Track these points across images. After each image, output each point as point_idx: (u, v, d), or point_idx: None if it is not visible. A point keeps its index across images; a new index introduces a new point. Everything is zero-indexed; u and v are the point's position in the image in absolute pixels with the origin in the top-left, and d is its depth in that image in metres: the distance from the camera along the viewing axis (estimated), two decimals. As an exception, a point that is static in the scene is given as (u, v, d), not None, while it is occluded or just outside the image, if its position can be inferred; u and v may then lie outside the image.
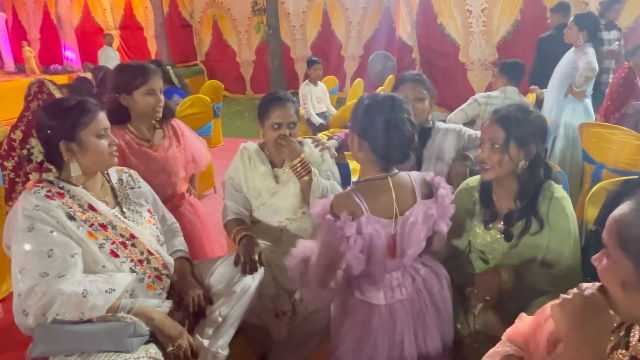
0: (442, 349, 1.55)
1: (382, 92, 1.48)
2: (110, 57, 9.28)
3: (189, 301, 1.58)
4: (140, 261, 1.54)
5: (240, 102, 10.41)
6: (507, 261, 1.62)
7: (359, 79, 6.80)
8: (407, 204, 1.43)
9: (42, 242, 1.34)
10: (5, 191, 2.64)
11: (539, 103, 4.08)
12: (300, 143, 2.03)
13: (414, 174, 1.48)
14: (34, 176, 1.47)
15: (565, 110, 3.73)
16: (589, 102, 3.74)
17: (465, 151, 2.13)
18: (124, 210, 1.61)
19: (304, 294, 1.62)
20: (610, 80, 4.24)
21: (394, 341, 1.47)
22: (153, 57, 11.54)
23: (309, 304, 1.81)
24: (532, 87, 4.23)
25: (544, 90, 4.06)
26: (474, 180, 1.76)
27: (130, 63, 2.10)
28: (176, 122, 2.27)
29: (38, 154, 1.46)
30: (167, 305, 1.56)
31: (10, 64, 12.91)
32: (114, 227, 1.50)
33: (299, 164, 1.90)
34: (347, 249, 1.33)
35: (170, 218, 1.89)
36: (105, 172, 1.65)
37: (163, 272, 1.60)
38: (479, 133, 1.92)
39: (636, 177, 1.96)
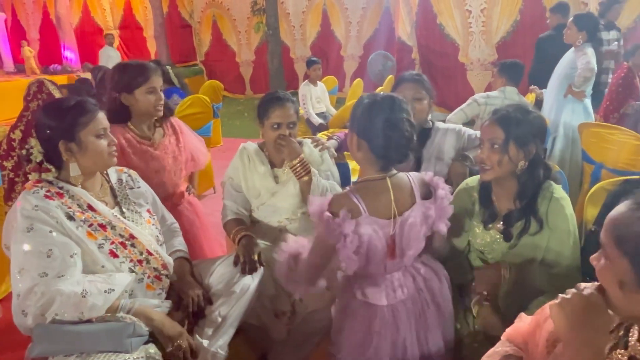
0: (444, 348, 1.55)
1: (382, 92, 1.48)
2: (111, 57, 9.29)
3: (189, 301, 1.58)
4: (140, 261, 1.53)
5: (239, 102, 10.41)
6: (507, 261, 1.62)
7: (358, 79, 6.81)
8: (406, 205, 1.43)
9: (41, 242, 1.34)
10: (4, 191, 2.64)
11: (539, 103, 4.08)
12: (300, 143, 2.03)
13: (413, 175, 1.48)
14: (33, 176, 1.47)
15: (564, 110, 3.73)
16: (588, 102, 3.74)
17: (464, 151, 2.13)
18: (124, 210, 1.61)
19: (291, 289, 1.61)
20: (609, 80, 4.25)
21: (397, 341, 1.47)
22: (152, 57, 11.55)
23: (309, 304, 1.81)
24: (532, 87, 4.23)
25: (543, 90, 4.06)
26: (473, 180, 1.76)
27: (130, 62, 2.10)
28: (175, 121, 2.27)
29: (37, 154, 1.45)
30: (167, 305, 1.56)
31: (9, 64, 12.92)
32: (113, 227, 1.50)
33: (298, 164, 1.90)
34: (343, 247, 1.33)
35: (170, 218, 1.89)
36: (105, 172, 1.65)
37: (162, 272, 1.60)
38: (478, 133, 1.92)
39: (636, 177, 1.96)
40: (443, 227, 1.46)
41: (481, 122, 2.31)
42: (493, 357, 1.17)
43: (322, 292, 1.78)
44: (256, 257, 1.76)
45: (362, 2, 9.71)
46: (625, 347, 0.91)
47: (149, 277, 1.55)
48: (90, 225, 1.45)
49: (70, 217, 1.42)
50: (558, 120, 3.75)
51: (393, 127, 1.36)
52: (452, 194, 1.64)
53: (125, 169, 1.75)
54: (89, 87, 4.10)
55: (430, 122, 2.20)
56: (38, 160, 1.46)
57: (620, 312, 0.91)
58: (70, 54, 12.86)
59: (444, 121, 2.41)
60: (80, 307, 1.32)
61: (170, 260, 1.65)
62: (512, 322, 1.23)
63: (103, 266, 1.45)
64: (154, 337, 1.44)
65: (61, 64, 12.38)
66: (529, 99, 4.17)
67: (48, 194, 1.41)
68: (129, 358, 1.30)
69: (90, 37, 12.88)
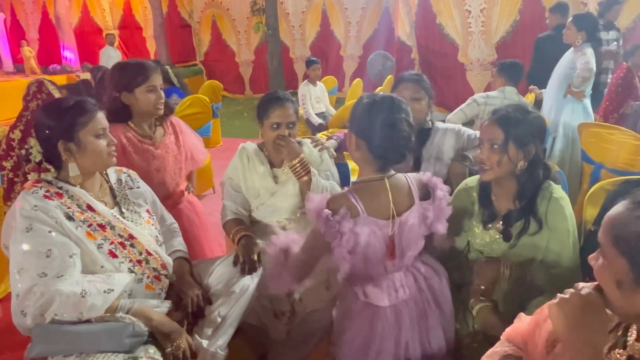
0: (446, 347, 1.55)
1: (381, 93, 1.48)
2: (111, 57, 9.29)
3: (188, 301, 1.57)
4: (139, 261, 1.53)
5: (239, 102, 10.41)
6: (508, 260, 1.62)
7: (358, 79, 6.81)
8: (405, 205, 1.43)
9: (40, 243, 1.34)
10: (3, 191, 2.64)
11: (538, 103, 4.08)
12: (299, 143, 2.03)
13: (411, 176, 1.48)
14: (32, 176, 1.47)
15: (564, 110, 3.74)
16: (588, 102, 3.74)
17: (464, 151, 2.13)
18: (123, 210, 1.61)
19: (275, 283, 1.60)
20: (609, 80, 4.25)
21: (400, 342, 1.47)
22: (152, 57, 11.54)
23: (308, 304, 1.81)
24: (531, 87, 4.24)
25: (542, 90, 4.06)
26: (472, 181, 1.76)
27: (130, 61, 2.11)
28: (175, 120, 2.27)
29: (37, 153, 1.45)
30: (166, 305, 1.56)
31: (8, 64, 12.91)
32: (112, 228, 1.50)
33: (298, 164, 1.90)
34: (338, 245, 1.33)
35: (169, 218, 1.89)
36: (104, 172, 1.65)
37: (162, 272, 1.60)
38: (478, 133, 1.92)
39: (635, 177, 1.96)
40: (441, 228, 1.46)
41: (481, 122, 2.31)
42: (492, 357, 1.17)
43: (322, 292, 1.79)
44: (256, 257, 1.76)
45: (362, 2, 9.72)
46: (624, 347, 0.91)
47: (148, 277, 1.55)
48: (90, 226, 1.45)
49: (70, 217, 1.41)
50: (557, 120, 3.75)
51: (391, 128, 1.36)
52: (451, 194, 1.65)
53: (124, 169, 1.75)
54: (88, 87, 4.09)
55: (430, 122, 2.20)
56: (37, 160, 1.46)
57: (618, 312, 0.92)
58: (69, 54, 12.85)
59: (443, 121, 2.41)
60: (79, 307, 1.32)
61: (169, 261, 1.65)
62: (511, 322, 1.23)
63: (102, 266, 1.44)
64: (154, 337, 1.43)
65: (60, 64, 12.37)
66: (529, 99, 4.18)
67: (47, 194, 1.41)
68: (128, 358, 1.30)
69: (89, 37, 12.88)
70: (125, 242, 1.52)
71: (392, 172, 1.45)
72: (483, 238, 1.68)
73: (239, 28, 11.00)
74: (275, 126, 1.92)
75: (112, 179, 1.67)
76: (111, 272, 1.45)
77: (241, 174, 2.03)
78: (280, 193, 1.99)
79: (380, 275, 1.49)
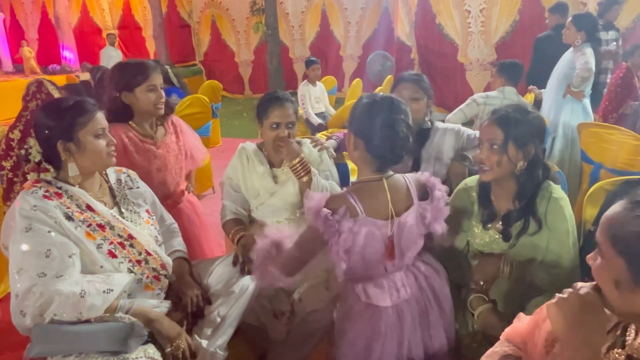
0: (447, 345, 1.55)
1: (381, 93, 1.48)
2: (112, 57, 9.27)
3: (188, 301, 1.57)
4: (139, 261, 1.53)
5: (238, 102, 10.41)
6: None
7: (357, 79, 6.81)
8: (403, 206, 1.43)
9: (39, 242, 1.34)
10: (3, 191, 2.64)
11: (538, 103, 4.08)
12: (299, 143, 2.03)
13: (409, 176, 1.49)
14: (32, 176, 1.47)
15: (563, 110, 3.74)
16: (587, 102, 3.74)
17: (463, 151, 2.13)
18: (122, 210, 1.61)
19: (256, 278, 1.57)
20: (608, 80, 4.25)
21: (402, 342, 1.47)
22: (151, 57, 11.54)
23: (308, 304, 1.81)
24: (531, 87, 4.24)
25: (542, 90, 4.06)
26: (472, 180, 1.76)
27: (130, 61, 2.11)
28: (176, 119, 2.28)
29: (36, 153, 1.45)
30: (166, 305, 1.56)
31: (8, 64, 12.90)
32: (112, 228, 1.50)
33: (298, 164, 1.89)
34: (335, 244, 1.33)
35: (169, 219, 1.89)
36: (104, 172, 1.65)
37: (161, 272, 1.60)
38: (477, 133, 1.92)
39: (634, 177, 1.96)
40: (439, 228, 1.46)
41: (480, 122, 2.31)
42: (492, 357, 1.17)
43: (321, 292, 1.79)
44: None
45: (361, 2, 9.72)
46: (623, 347, 0.91)
47: (147, 277, 1.55)
48: (89, 226, 1.45)
49: (69, 217, 1.41)
50: (557, 120, 3.75)
51: (389, 128, 1.36)
52: (451, 194, 1.64)
53: (124, 169, 1.75)
54: (88, 88, 4.09)
55: (429, 122, 2.20)
56: (37, 160, 1.46)
57: (616, 311, 0.92)
58: (69, 54, 12.85)
59: (443, 121, 2.41)
60: (78, 307, 1.32)
61: (169, 261, 1.65)
62: (511, 322, 1.23)
63: (102, 266, 1.44)
64: (153, 337, 1.43)
65: (60, 64, 12.37)
66: (528, 99, 4.18)
67: (47, 194, 1.41)
68: (127, 358, 1.30)
69: (89, 37, 12.88)
70: (125, 242, 1.52)
71: (391, 172, 1.45)
72: (482, 238, 1.68)
73: (238, 28, 11.00)
74: (274, 126, 1.92)
75: (112, 179, 1.67)
76: (110, 272, 1.45)
77: (240, 174, 2.03)
78: (279, 193, 1.99)
79: (381, 276, 1.49)
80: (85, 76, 7.64)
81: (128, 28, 12.61)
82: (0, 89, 8.40)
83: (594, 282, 0.94)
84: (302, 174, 1.90)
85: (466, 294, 1.57)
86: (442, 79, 7.25)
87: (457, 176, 2.02)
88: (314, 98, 5.49)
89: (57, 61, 12.54)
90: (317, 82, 5.59)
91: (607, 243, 0.89)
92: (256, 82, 11.00)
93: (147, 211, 1.69)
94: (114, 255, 1.48)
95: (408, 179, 1.47)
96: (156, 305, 1.53)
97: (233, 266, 1.73)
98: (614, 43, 4.35)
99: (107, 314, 1.38)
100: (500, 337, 1.23)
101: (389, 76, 6.99)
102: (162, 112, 2.06)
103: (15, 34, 13.18)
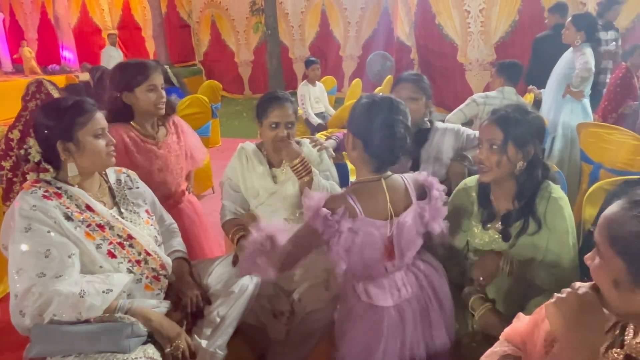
0: (449, 343, 1.55)
1: (381, 93, 1.48)
2: (112, 57, 9.26)
3: (187, 301, 1.57)
4: (138, 262, 1.53)
5: (238, 102, 10.41)
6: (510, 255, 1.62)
7: (357, 79, 6.82)
8: (402, 206, 1.43)
9: (39, 243, 1.34)
10: (2, 191, 2.64)
11: (537, 103, 4.08)
12: (298, 143, 2.03)
13: (407, 176, 1.49)
14: (31, 176, 1.47)
15: (563, 110, 3.74)
16: (587, 102, 3.74)
17: (463, 151, 2.13)
18: (122, 210, 1.61)
19: (244, 269, 1.54)
20: (607, 80, 4.26)
21: (405, 341, 1.47)
22: (151, 57, 11.53)
23: (307, 304, 1.81)
24: (530, 87, 4.24)
25: (542, 90, 4.06)
26: (471, 180, 1.76)
27: (130, 61, 2.11)
28: (177, 119, 2.28)
29: (35, 153, 1.45)
30: (165, 305, 1.56)
31: (7, 64, 12.90)
32: (111, 228, 1.50)
33: (299, 164, 1.89)
34: (336, 244, 1.33)
35: (169, 219, 1.89)
36: (103, 172, 1.65)
37: (161, 272, 1.60)
38: (477, 133, 1.92)
39: (634, 177, 1.97)
40: (437, 228, 1.47)
41: (480, 122, 2.31)
42: (491, 357, 1.17)
43: (321, 292, 1.79)
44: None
45: (361, 2, 9.72)
46: (621, 346, 0.91)
47: (147, 277, 1.55)
48: (89, 226, 1.45)
49: (69, 217, 1.41)
50: (557, 120, 3.75)
51: (387, 128, 1.36)
52: (450, 194, 1.64)
53: (124, 169, 1.75)
54: (87, 88, 4.09)
55: (429, 122, 2.20)
56: (36, 160, 1.46)
57: (615, 311, 0.92)
58: (68, 54, 12.85)
59: (442, 121, 2.41)
60: (78, 308, 1.32)
61: (168, 261, 1.65)
62: (510, 322, 1.23)
63: (101, 266, 1.44)
64: (153, 337, 1.43)
65: (59, 64, 12.37)
66: (528, 99, 4.18)
67: (46, 194, 1.41)
68: (127, 358, 1.30)
69: (88, 37, 12.88)
70: (124, 243, 1.52)
71: (389, 172, 1.45)
72: (482, 238, 1.68)
73: (238, 28, 11.00)
74: (274, 126, 1.92)
75: (112, 179, 1.67)
76: (110, 272, 1.45)
77: (240, 174, 2.03)
78: (279, 193, 1.99)
79: (382, 276, 1.49)
80: (85, 76, 7.64)
81: (127, 28, 12.60)
82: (0, 89, 8.39)
83: (593, 282, 0.94)
84: (303, 174, 1.90)
85: (466, 293, 1.57)
86: (442, 79, 7.26)
87: (457, 176, 2.02)
88: (314, 98, 5.49)
89: (56, 61, 12.55)
90: (316, 82, 5.59)
91: (605, 243, 0.89)
92: (256, 82, 11.00)
93: (146, 211, 1.69)
94: (113, 256, 1.48)
95: (406, 179, 1.47)
96: (156, 305, 1.53)
97: (233, 266, 1.73)
98: (614, 43, 4.35)
99: (107, 314, 1.38)
100: (500, 337, 1.23)
101: (389, 76, 6.99)
102: (162, 112, 2.06)
103: (15, 34, 13.18)
